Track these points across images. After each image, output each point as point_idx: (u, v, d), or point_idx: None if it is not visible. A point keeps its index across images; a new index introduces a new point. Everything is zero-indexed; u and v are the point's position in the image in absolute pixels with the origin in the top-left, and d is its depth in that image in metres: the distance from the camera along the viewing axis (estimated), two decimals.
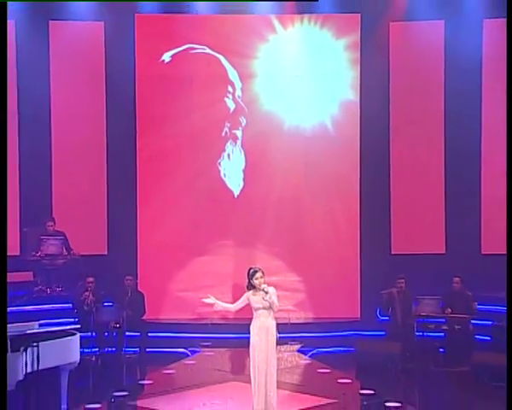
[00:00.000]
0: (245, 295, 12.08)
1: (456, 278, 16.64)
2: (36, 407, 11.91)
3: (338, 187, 18.50)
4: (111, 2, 17.98)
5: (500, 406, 13.53)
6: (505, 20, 17.85)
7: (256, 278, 12.01)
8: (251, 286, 12.04)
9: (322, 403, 13.10)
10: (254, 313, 12.13)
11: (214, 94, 18.51)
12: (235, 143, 18.56)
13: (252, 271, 12.14)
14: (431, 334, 16.67)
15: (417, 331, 16.43)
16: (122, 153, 18.49)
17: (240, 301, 12.16)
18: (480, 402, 14.03)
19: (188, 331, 17.38)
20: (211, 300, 12.19)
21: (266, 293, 11.96)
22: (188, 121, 18.38)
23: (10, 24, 17.71)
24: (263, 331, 12.13)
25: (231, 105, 18.57)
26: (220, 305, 12.28)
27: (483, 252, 18.22)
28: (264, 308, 12.07)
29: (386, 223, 18.57)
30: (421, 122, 18.46)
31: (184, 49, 18.39)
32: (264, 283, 12.05)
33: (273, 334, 12.16)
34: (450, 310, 16.40)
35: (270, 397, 12.12)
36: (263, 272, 12.10)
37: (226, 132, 18.53)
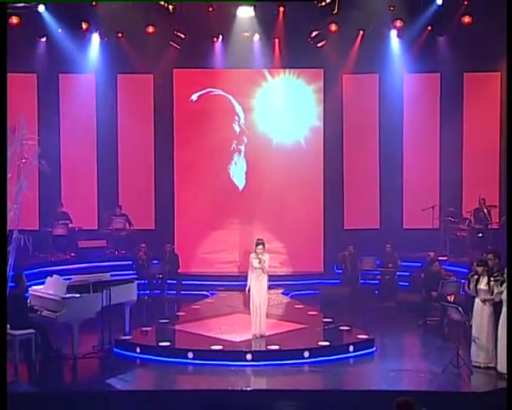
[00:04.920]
0: (250, 257, 12.51)
1: (388, 245, 16.72)
2: (109, 329, 12.18)
3: (308, 183, 18.32)
4: (158, 59, 17.83)
5: (411, 326, 14.22)
6: (420, 74, 18.16)
7: (258, 248, 12.39)
8: (254, 252, 12.47)
9: (297, 327, 13.38)
10: (253, 270, 12.51)
11: (226, 121, 18.33)
12: (240, 154, 18.42)
13: (256, 242, 12.52)
14: (370, 281, 16.76)
15: (361, 280, 16.61)
16: (164, 161, 18.39)
17: (250, 265, 12.55)
18: (400, 324, 14.45)
19: (209, 280, 17.32)
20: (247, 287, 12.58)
21: (260, 261, 12.38)
22: (208, 140, 18.21)
23: (92, 77, 18.07)
24: (257, 282, 12.52)
25: (237, 129, 18.39)
26: (249, 281, 12.56)
27: (404, 227, 18.26)
28: (259, 268, 12.49)
29: (340, 207, 18.49)
30: (363, 140, 18.43)
31: (206, 92, 18.23)
32: (264, 251, 12.44)
33: (264, 283, 12.58)
34: (391, 265, 16.53)
35: (263, 323, 12.60)
36: (263, 245, 12.44)
37: (234, 147, 18.38)
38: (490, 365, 11.12)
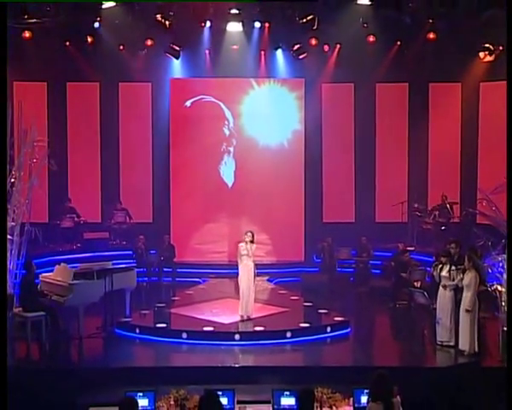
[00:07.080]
0: (239, 245, 12.52)
1: (363, 237, 16.73)
2: (111, 311, 12.26)
3: (290, 180, 18.29)
4: (155, 69, 17.71)
5: (382, 309, 14.32)
6: (390, 84, 18.18)
7: (246, 237, 12.43)
8: (243, 241, 12.49)
9: (281, 311, 13.42)
10: (241, 257, 12.57)
11: (216, 125, 18.30)
12: (229, 155, 18.37)
13: (246, 232, 12.57)
14: (346, 270, 16.83)
15: (338, 268, 16.70)
16: (161, 160, 18.34)
17: (238, 254, 12.56)
18: (371, 305, 14.69)
19: (201, 268, 17.28)
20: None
21: (246, 247, 12.42)
22: (201, 142, 18.17)
23: (96, 85, 18.04)
24: (245, 269, 12.55)
25: (227, 132, 18.37)
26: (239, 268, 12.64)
27: (376, 221, 18.27)
28: (246, 255, 12.52)
29: (319, 203, 18.50)
30: (340, 143, 18.41)
31: (199, 99, 18.17)
32: (253, 241, 12.42)
33: (251, 270, 12.60)
34: (365, 255, 16.53)
35: (249, 307, 12.67)
36: (252, 235, 12.43)
37: (223, 149, 18.35)
38: (450, 343, 11.26)
